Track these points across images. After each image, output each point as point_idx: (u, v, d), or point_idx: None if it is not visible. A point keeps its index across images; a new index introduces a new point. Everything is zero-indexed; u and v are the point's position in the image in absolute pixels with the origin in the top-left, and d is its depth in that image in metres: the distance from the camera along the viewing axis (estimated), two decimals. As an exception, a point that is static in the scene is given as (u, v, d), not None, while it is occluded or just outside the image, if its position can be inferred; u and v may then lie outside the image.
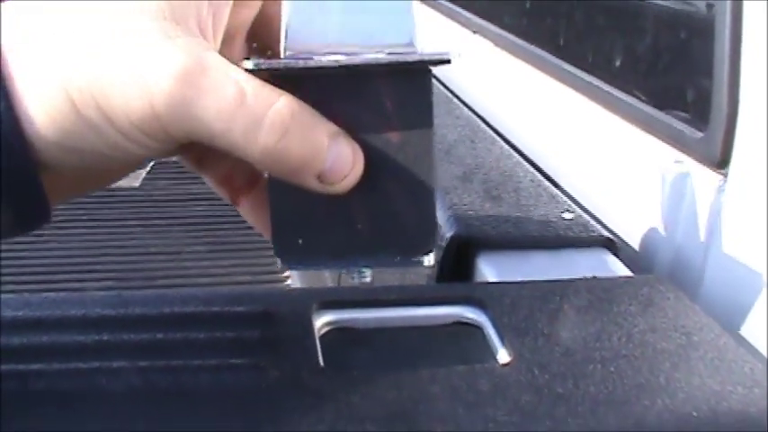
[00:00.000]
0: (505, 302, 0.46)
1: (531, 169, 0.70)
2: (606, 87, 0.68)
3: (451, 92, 0.99)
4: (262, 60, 0.37)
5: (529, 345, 0.42)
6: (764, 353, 0.47)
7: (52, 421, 0.35)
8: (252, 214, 0.44)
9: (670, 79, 0.62)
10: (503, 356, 0.42)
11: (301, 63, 0.37)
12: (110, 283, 1.37)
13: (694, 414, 0.37)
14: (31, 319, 0.42)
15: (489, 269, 0.53)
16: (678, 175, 0.57)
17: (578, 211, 0.61)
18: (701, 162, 0.55)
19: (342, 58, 0.37)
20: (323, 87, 0.38)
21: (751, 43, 0.50)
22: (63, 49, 0.35)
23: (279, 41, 0.38)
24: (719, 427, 0.37)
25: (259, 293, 0.44)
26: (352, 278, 0.41)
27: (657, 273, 0.58)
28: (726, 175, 0.52)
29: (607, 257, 0.56)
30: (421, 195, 0.39)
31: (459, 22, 1.12)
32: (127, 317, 0.43)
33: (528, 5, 0.92)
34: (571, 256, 0.55)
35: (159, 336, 0.41)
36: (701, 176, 0.55)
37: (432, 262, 0.40)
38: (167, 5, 0.36)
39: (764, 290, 0.48)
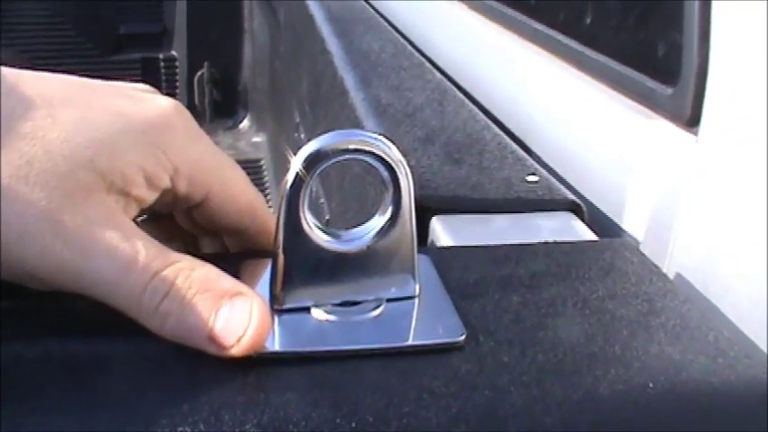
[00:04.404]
0: (456, 267, 0.42)
1: (500, 132, 0.66)
2: (574, 44, 0.65)
3: (427, 58, 0.95)
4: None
5: (475, 311, 0.39)
6: (734, 320, 0.43)
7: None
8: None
9: (638, 33, 0.58)
10: None
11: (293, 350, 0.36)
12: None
13: (650, 385, 0.34)
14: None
15: (444, 234, 0.50)
16: (647, 134, 0.54)
17: (544, 173, 0.57)
18: (671, 120, 0.52)
19: (343, 348, 0.36)
20: None
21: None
22: None
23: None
24: (677, 400, 0.34)
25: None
26: None
27: (626, 237, 0.55)
28: (697, 134, 0.49)
29: (572, 221, 0.52)
30: None
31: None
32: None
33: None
34: (533, 220, 0.52)
35: None
36: (672, 135, 0.51)
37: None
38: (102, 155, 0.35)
39: (737, 254, 0.45)
